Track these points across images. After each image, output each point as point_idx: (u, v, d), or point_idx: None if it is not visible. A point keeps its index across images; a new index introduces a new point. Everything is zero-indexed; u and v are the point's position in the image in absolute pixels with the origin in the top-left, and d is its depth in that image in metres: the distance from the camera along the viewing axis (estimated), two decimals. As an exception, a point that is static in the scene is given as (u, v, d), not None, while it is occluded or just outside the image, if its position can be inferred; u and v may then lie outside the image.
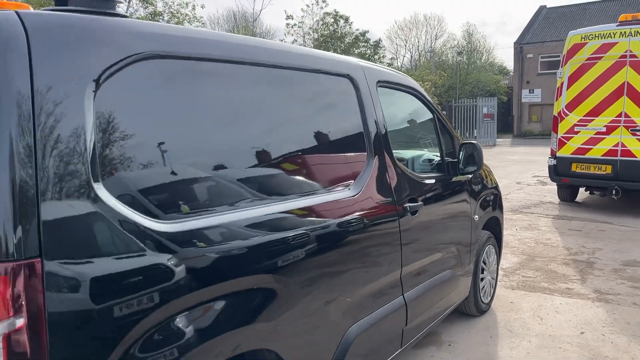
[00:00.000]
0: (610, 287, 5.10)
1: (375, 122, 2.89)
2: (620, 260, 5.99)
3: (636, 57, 8.44)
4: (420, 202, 3.15)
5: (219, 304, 1.85)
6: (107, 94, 1.62)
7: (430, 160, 3.83)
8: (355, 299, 2.58)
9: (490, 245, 4.46)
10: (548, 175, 9.64)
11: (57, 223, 1.44)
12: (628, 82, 8.51)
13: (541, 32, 44.38)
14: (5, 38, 1.45)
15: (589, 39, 8.97)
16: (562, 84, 9.28)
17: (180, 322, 1.71)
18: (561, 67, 9.32)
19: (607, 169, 8.69)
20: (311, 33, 25.05)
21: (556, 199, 10.20)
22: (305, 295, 2.23)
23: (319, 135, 2.56)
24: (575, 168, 9.04)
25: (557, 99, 9.43)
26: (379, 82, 3.07)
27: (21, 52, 1.45)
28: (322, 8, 24.71)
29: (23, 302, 1.36)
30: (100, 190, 1.55)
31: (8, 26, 1.47)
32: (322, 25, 24.72)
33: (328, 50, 24.86)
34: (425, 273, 3.30)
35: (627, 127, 8.53)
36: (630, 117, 8.51)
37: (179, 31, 1.96)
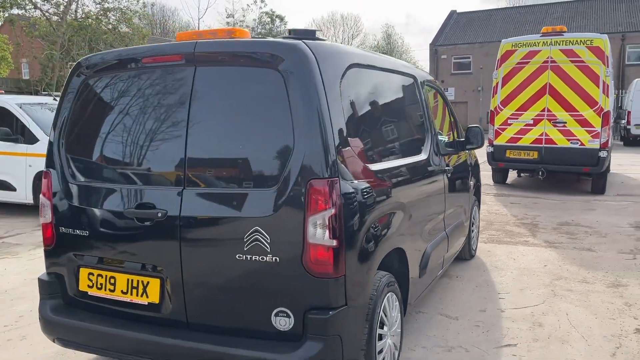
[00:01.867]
0: (555, 238, 6.73)
1: (427, 108, 4.17)
2: (556, 222, 7.70)
3: (556, 62, 10.33)
4: (451, 167, 4.48)
5: (391, 215, 3.06)
6: (344, 89, 2.77)
7: (442, 140, 5.17)
8: (429, 227, 3.86)
9: (476, 207, 5.89)
10: (486, 160, 11.40)
11: (343, 161, 2.59)
12: (550, 83, 10.39)
13: (453, 35, 47.62)
14: (306, 55, 2.57)
15: (518, 47, 10.80)
16: (497, 83, 11.03)
17: (377, 222, 2.90)
18: (496, 69, 11.09)
19: (534, 154, 10.54)
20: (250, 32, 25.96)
21: (491, 182, 11.99)
22: (413, 217, 3.47)
23: (413, 117, 3.82)
24: (509, 154, 10.83)
25: (493, 96, 11.17)
26: (425, 80, 4.36)
27: (314, 63, 2.57)
28: (261, 8, 25.72)
29: (333, 200, 2.49)
30: (349, 143, 2.72)
31: (305, 49, 2.59)
32: (259, 24, 25.73)
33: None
34: (453, 218, 4.63)
35: (549, 120, 10.41)
36: (551, 112, 10.39)
37: (363, 52, 3.16)
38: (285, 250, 2.54)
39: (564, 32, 10.61)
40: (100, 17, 19.54)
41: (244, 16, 26.38)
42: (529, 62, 10.60)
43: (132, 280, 2.89)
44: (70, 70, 3.25)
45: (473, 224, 5.76)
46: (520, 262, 5.73)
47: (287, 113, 2.55)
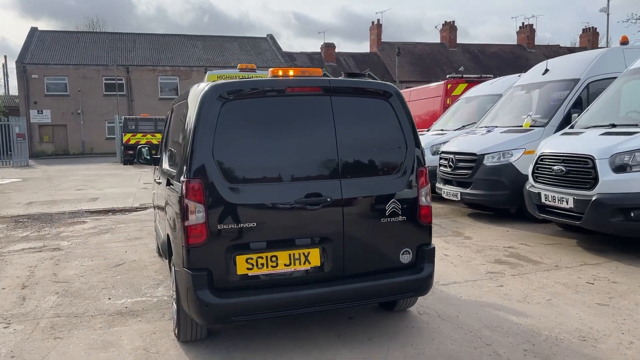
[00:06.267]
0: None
1: None
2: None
3: (253, 93, 12.97)
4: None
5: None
6: None
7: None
8: None
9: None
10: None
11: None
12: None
13: (42, 54, 45.05)
14: (399, 91, 4.17)
15: (222, 78, 12.89)
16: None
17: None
18: (205, 96, 12.93)
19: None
20: None
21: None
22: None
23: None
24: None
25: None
26: None
27: (401, 97, 4.20)
28: None
29: (427, 179, 4.17)
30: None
31: (396, 88, 4.18)
32: None
33: None
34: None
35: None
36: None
37: None
38: (408, 211, 4.08)
39: (254, 69, 13.38)
40: None
41: None
42: (233, 91, 12.88)
43: (293, 254, 3.79)
44: (202, 95, 3.72)
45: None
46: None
47: (398, 127, 4.11)
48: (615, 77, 8.64)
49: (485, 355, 3.82)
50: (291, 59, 48.66)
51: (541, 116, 8.92)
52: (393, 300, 4.39)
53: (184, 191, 3.66)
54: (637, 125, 6.63)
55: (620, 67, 8.77)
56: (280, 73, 4.16)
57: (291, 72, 4.17)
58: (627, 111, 7.56)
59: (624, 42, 9.30)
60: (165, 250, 4.80)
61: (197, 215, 3.61)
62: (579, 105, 8.69)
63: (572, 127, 7.68)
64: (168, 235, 4.36)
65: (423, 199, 4.15)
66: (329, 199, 3.82)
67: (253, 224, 3.69)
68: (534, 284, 5.44)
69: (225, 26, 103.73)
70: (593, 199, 6.21)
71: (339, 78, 4.12)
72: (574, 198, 6.49)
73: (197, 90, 3.98)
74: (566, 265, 6.07)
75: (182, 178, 3.75)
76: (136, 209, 11.66)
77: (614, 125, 6.89)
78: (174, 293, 4.12)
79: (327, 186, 3.85)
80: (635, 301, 4.83)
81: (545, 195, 7.00)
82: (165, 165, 5.17)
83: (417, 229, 4.15)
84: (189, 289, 3.64)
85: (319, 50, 51.09)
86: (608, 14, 31.26)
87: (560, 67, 9.47)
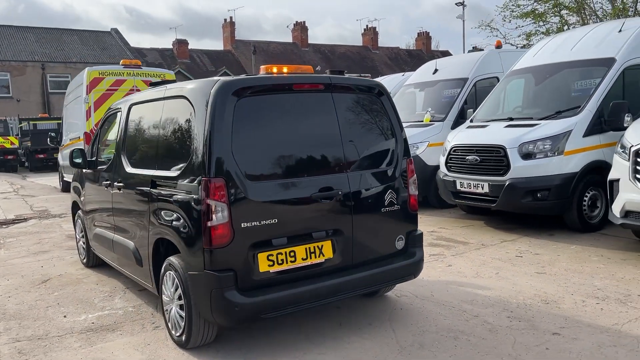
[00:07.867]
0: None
1: None
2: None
3: (140, 89, 12.27)
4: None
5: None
6: None
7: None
8: None
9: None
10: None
11: (406, 147, 4.57)
12: (136, 108, 12.23)
13: None
14: (386, 88, 4.40)
15: (106, 75, 12.07)
16: (90, 107, 11.90)
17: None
18: (86, 94, 11.92)
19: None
20: None
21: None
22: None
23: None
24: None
25: (87, 119, 11.94)
26: None
27: (388, 94, 4.44)
28: None
29: (413, 170, 4.46)
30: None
31: (383, 85, 4.41)
32: None
33: None
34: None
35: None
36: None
37: None
38: (401, 200, 4.34)
39: (140, 65, 12.68)
40: None
41: None
42: (117, 89, 12.08)
43: (309, 247, 3.85)
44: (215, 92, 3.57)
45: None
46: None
47: (389, 121, 4.35)
48: (495, 77, 9.87)
49: (479, 325, 4.24)
50: (141, 55, 46.14)
51: (437, 112, 9.80)
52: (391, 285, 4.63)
53: (203, 191, 3.52)
54: (532, 118, 7.66)
55: (498, 68, 10.03)
56: (275, 70, 4.16)
57: (285, 69, 4.19)
58: (515, 106, 8.67)
59: (499, 45, 10.60)
60: (140, 257, 4.52)
61: (220, 215, 3.50)
62: (467, 102, 9.73)
63: (472, 120, 8.58)
64: (158, 240, 4.12)
65: (412, 188, 4.44)
66: (340, 192, 3.94)
67: (275, 220, 3.67)
68: (476, 261, 6.06)
69: (46, 18, 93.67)
70: (507, 183, 7.06)
71: (336, 75, 4.23)
72: (488, 184, 7.31)
73: (202, 87, 3.80)
74: (490, 244, 6.84)
75: (194, 178, 3.60)
76: (14, 222, 10.39)
77: (511, 119, 7.86)
78: (177, 300, 3.91)
79: (337, 180, 3.97)
80: (564, 267, 5.66)
81: (460, 182, 7.76)
82: (130, 168, 4.81)
83: (408, 216, 4.43)
84: (213, 291, 3.52)
85: (171, 47, 49.20)
86: (464, 20, 35.15)
87: (449, 68, 10.47)
